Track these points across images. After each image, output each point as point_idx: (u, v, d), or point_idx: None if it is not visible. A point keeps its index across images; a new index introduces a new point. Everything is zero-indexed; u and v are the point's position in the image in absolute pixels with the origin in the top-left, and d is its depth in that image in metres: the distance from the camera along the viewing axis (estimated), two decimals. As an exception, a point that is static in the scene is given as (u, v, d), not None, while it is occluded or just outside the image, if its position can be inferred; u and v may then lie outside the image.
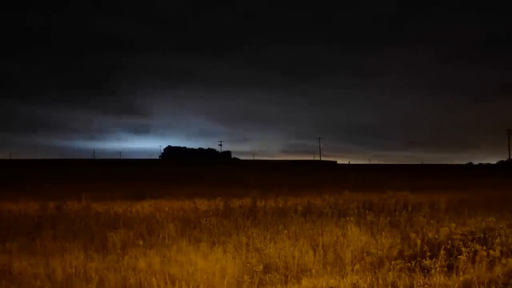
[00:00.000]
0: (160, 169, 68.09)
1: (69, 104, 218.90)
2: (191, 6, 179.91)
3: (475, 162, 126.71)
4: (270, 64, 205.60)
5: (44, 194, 19.60)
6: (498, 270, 6.96)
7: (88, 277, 6.75)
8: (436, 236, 8.55)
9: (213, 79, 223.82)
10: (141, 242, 8.78)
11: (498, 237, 8.49)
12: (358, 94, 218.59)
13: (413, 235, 8.75)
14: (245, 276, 6.65)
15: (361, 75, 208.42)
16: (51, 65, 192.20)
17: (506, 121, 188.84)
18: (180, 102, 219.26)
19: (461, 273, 6.90)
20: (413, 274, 6.85)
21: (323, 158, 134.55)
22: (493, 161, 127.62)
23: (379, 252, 7.98)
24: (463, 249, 7.60)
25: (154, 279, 6.48)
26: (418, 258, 7.37)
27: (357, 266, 7.30)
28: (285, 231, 9.86)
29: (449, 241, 8.09)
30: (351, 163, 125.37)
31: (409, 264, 7.19)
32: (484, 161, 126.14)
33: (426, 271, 7.00)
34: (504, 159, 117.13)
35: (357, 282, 6.48)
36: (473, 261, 7.32)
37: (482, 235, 8.72)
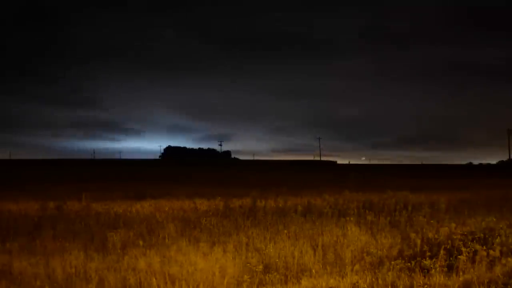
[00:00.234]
0: (160, 169, 68.12)
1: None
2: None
3: (475, 162, 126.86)
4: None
5: (44, 194, 19.60)
6: (498, 270, 6.96)
7: (88, 277, 6.75)
8: (436, 236, 8.55)
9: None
10: (141, 242, 8.78)
11: (498, 237, 8.49)
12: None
13: (413, 235, 8.75)
14: (245, 276, 6.65)
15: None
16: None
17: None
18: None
19: (461, 273, 6.91)
20: (413, 274, 6.85)
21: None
22: (493, 161, 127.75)
23: (379, 252, 7.98)
24: (463, 249, 7.60)
25: (154, 279, 6.48)
26: (418, 258, 7.37)
27: (357, 266, 7.30)
28: (285, 231, 9.86)
29: (449, 241, 8.09)
30: (351, 163, 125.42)
31: (409, 264, 7.19)
32: (484, 161, 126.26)
33: (426, 271, 7.00)
34: (504, 159, 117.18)
35: (357, 282, 6.48)
36: (473, 261, 7.32)
37: (482, 235, 8.72)
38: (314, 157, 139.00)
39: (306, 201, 14.60)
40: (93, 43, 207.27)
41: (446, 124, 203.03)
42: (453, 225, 9.16)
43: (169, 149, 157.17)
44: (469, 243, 8.00)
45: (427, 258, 7.35)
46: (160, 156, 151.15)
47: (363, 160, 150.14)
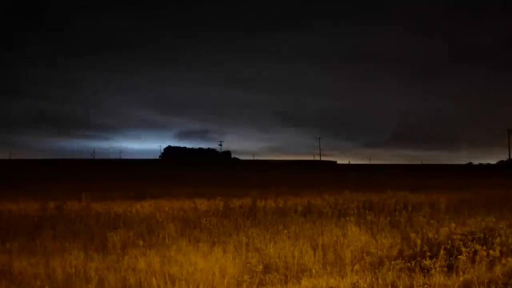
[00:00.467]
0: (160, 169, 68.14)
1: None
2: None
3: (475, 162, 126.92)
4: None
5: (44, 194, 19.59)
6: (498, 270, 6.96)
7: (88, 277, 6.75)
8: (436, 236, 8.55)
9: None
10: (141, 242, 8.78)
11: (498, 237, 8.49)
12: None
13: (413, 235, 8.75)
14: (245, 276, 6.65)
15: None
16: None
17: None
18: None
19: (461, 273, 6.90)
20: (413, 274, 6.85)
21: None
22: (493, 161, 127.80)
23: (379, 252, 7.98)
24: (463, 249, 7.60)
25: (154, 279, 6.48)
26: (418, 258, 7.37)
27: (357, 266, 7.30)
28: (285, 231, 9.86)
29: (449, 241, 8.09)
30: (351, 163, 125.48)
31: (409, 264, 7.19)
32: (484, 161, 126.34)
33: (426, 271, 7.00)
34: (504, 159, 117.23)
35: (357, 282, 6.48)
36: (473, 261, 7.32)
37: (482, 235, 8.72)
38: (314, 157, 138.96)
39: (306, 201, 14.60)
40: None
41: (446, 124, 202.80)
42: (453, 225, 9.15)
43: (169, 149, 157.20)
44: (469, 243, 8.00)
45: (427, 258, 7.34)
46: (160, 156, 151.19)
47: (362, 160, 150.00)
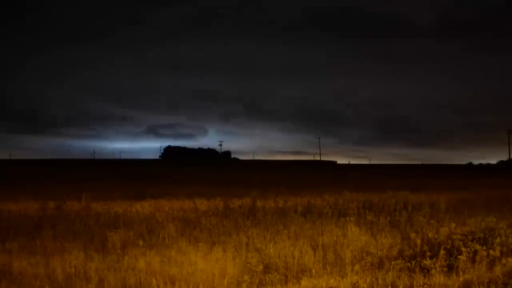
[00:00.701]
0: (160, 169, 68.07)
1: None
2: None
3: (475, 162, 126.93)
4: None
5: (44, 194, 19.57)
6: (498, 270, 6.97)
7: (88, 277, 6.75)
8: (436, 236, 8.55)
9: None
10: (141, 242, 8.78)
11: (498, 237, 8.50)
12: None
13: (413, 235, 8.75)
14: (245, 276, 6.65)
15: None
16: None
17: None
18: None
19: (461, 273, 6.90)
20: (413, 274, 6.85)
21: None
22: (493, 161, 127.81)
23: (379, 252, 7.98)
24: (463, 249, 7.60)
25: (154, 279, 6.48)
26: (418, 258, 7.37)
27: (357, 266, 7.30)
28: (285, 231, 9.86)
29: (449, 241, 8.09)
30: (351, 163, 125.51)
31: (409, 264, 7.19)
32: (484, 161, 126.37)
33: (426, 271, 7.00)
34: (504, 159, 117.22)
35: (357, 282, 6.48)
36: (473, 261, 7.33)
37: (482, 235, 8.72)
38: (314, 157, 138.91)
39: (306, 201, 14.61)
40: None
41: (446, 123, 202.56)
42: (453, 225, 9.15)
43: (169, 149, 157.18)
44: (469, 243, 8.00)
45: (427, 258, 7.35)
46: (160, 156, 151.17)
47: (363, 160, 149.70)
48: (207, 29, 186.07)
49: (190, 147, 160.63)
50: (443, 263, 7.15)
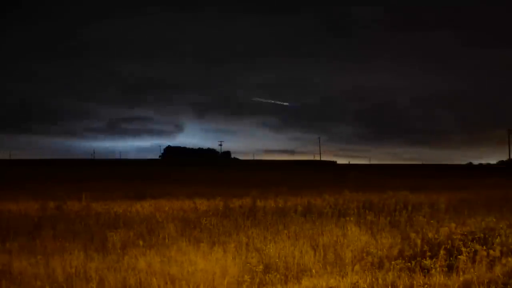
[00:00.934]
0: (160, 169, 68.07)
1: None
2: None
3: (475, 162, 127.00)
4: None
5: (44, 194, 19.57)
6: (498, 270, 6.97)
7: (88, 277, 6.75)
8: (436, 236, 8.56)
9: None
10: (141, 242, 8.78)
11: (498, 237, 8.50)
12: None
13: (413, 235, 8.76)
14: (245, 276, 6.65)
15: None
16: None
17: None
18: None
19: (461, 273, 6.91)
20: (413, 274, 6.85)
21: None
22: (493, 161, 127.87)
23: (379, 252, 7.98)
24: (463, 249, 7.61)
25: (154, 279, 6.48)
26: (418, 258, 7.38)
27: (357, 266, 7.30)
28: (285, 231, 9.87)
29: (449, 241, 8.10)
30: (351, 163, 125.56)
31: (409, 264, 7.20)
32: (484, 161, 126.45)
33: (426, 271, 7.01)
34: (504, 159, 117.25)
35: (357, 282, 6.48)
36: (473, 261, 7.33)
37: (482, 235, 8.73)
38: (314, 157, 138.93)
39: (306, 201, 14.61)
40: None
41: (445, 124, 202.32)
42: (453, 225, 9.16)
43: (169, 149, 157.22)
44: (469, 243, 8.00)
45: (427, 258, 7.35)
46: (160, 156, 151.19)
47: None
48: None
49: (190, 147, 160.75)
50: (443, 263, 7.15)
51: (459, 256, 7.39)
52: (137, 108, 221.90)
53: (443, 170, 77.69)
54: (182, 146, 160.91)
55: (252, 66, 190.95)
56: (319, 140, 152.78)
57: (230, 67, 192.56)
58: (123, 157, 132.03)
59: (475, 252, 7.54)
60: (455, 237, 8.24)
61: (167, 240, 9.25)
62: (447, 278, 6.69)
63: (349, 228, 10.12)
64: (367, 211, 12.60)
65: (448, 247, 7.84)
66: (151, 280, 6.46)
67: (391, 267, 7.03)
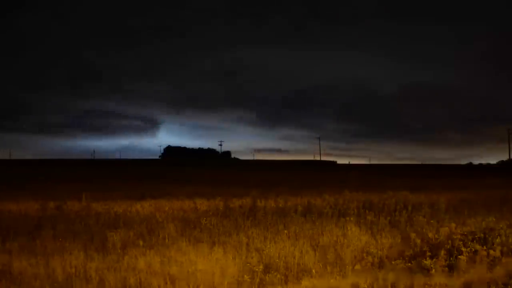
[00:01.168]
0: (160, 169, 68.08)
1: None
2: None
3: (475, 162, 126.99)
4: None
5: (44, 194, 19.59)
6: (498, 270, 6.96)
7: (88, 277, 6.75)
8: (436, 236, 8.55)
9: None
10: (141, 242, 8.78)
11: (498, 237, 8.50)
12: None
13: (413, 235, 8.75)
14: (245, 276, 6.65)
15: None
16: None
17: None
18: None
19: (461, 273, 6.91)
20: (413, 274, 6.85)
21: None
22: (493, 161, 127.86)
23: (379, 252, 7.98)
24: (463, 249, 7.61)
25: (154, 279, 6.48)
26: (418, 258, 7.38)
27: (357, 266, 7.30)
28: (285, 231, 9.86)
29: (449, 241, 8.10)
30: (351, 163, 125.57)
31: (409, 264, 7.20)
32: (484, 161, 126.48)
33: (426, 271, 7.01)
34: (504, 159, 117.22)
35: (357, 282, 6.48)
36: (474, 261, 7.33)
37: (482, 235, 8.73)
38: (314, 157, 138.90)
39: (306, 201, 14.60)
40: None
41: (445, 123, 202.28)
42: (453, 225, 9.16)
43: (169, 149, 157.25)
44: (469, 243, 8.00)
45: (428, 258, 7.35)
46: (160, 156, 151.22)
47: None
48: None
49: (190, 147, 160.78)
50: (443, 263, 7.15)
51: (459, 256, 7.39)
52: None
53: (443, 170, 77.69)
54: (182, 146, 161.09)
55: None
56: (319, 140, 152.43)
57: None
58: (123, 157, 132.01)
59: (475, 252, 7.55)
60: (455, 237, 8.24)
61: (167, 240, 9.25)
62: (447, 278, 6.69)
63: (349, 228, 10.11)
64: (367, 211, 12.59)
65: (448, 247, 7.84)
66: (151, 280, 6.46)
67: (391, 267, 7.03)
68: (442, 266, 7.04)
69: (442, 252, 7.48)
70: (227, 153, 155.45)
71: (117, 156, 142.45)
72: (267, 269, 7.22)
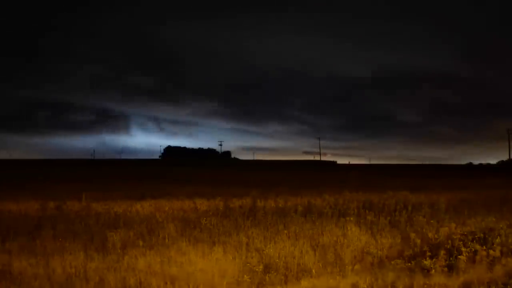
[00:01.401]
0: (160, 169, 68.08)
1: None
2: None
3: (475, 162, 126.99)
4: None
5: (44, 194, 19.59)
6: (498, 270, 6.97)
7: (88, 277, 6.75)
8: (436, 236, 8.56)
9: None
10: (141, 242, 8.78)
11: (498, 237, 8.50)
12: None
13: (413, 235, 8.76)
14: (245, 276, 6.65)
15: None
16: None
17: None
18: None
19: (461, 273, 6.91)
20: (413, 274, 6.85)
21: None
22: (493, 161, 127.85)
23: (379, 252, 7.99)
24: (463, 249, 7.61)
25: (154, 279, 6.48)
26: (418, 258, 7.38)
27: (357, 266, 7.31)
28: (285, 231, 9.86)
29: (449, 241, 8.10)
30: (351, 163, 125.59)
31: (409, 264, 7.20)
32: (484, 161, 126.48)
33: (426, 271, 7.01)
34: (504, 159, 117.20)
35: (357, 282, 6.48)
36: (473, 261, 7.33)
37: (482, 235, 8.73)
38: (314, 157, 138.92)
39: (306, 201, 14.60)
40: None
41: (444, 124, 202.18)
42: (453, 225, 9.16)
43: (169, 149, 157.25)
44: (469, 243, 8.01)
45: (427, 258, 7.35)
46: (160, 156, 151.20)
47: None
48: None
49: (190, 147, 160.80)
50: (443, 263, 7.15)
51: (459, 256, 7.39)
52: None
53: (443, 170, 77.69)
54: (182, 146, 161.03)
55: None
56: (319, 140, 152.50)
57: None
58: (123, 157, 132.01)
59: (475, 252, 7.55)
60: (455, 237, 8.24)
61: (167, 240, 9.25)
62: (447, 278, 6.69)
63: (349, 228, 10.12)
64: (367, 211, 12.59)
65: (448, 247, 7.85)
66: (151, 280, 6.47)
67: (391, 267, 7.04)
68: (442, 266, 7.04)
69: (442, 252, 7.48)
70: (227, 153, 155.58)
71: (117, 156, 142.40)
72: (267, 269, 7.22)
